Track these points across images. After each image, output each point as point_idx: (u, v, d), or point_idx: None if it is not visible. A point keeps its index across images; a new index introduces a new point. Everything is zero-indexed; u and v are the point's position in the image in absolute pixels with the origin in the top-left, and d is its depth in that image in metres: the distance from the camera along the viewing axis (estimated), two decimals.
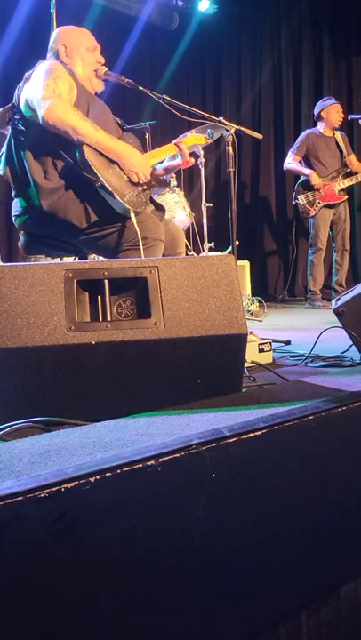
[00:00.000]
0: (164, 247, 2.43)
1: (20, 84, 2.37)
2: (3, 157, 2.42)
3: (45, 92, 2.22)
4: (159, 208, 2.64)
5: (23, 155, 2.31)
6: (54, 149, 2.27)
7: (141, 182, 2.37)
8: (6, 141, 2.41)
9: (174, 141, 2.68)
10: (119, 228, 2.31)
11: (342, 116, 5.44)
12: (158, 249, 2.33)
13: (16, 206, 2.43)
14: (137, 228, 2.24)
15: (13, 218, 2.46)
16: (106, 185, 2.21)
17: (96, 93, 2.57)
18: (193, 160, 2.71)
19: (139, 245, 2.25)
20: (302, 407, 1.29)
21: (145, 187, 2.39)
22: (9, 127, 2.39)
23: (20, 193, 2.38)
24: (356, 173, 5.36)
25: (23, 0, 5.14)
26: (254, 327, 3.41)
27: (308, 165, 5.46)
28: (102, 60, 2.53)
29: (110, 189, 2.21)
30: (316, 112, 5.52)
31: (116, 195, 2.22)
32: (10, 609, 0.83)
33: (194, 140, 2.86)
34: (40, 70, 2.32)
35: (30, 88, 2.29)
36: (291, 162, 5.50)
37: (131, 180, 2.35)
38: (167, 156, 2.65)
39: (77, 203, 2.28)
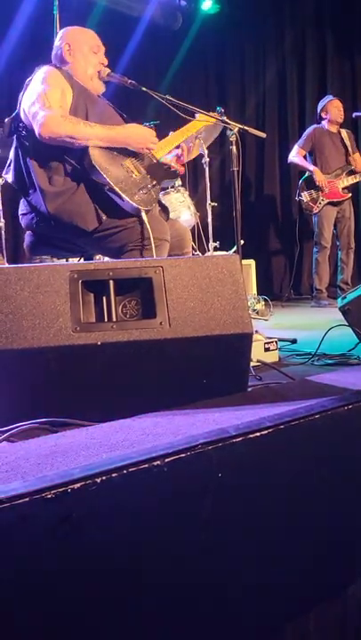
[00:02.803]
0: (170, 247, 2.43)
1: (22, 92, 2.39)
2: (11, 166, 2.44)
3: (37, 105, 2.25)
4: (164, 209, 2.64)
5: (28, 162, 2.33)
6: (59, 155, 2.28)
7: (153, 151, 2.40)
8: (13, 150, 2.43)
9: (182, 141, 2.63)
10: (124, 228, 2.31)
11: (342, 111, 5.43)
12: (163, 249, 2.33)
13: (22, 206, 2.45)
14: (148, 227, 2.24)
15: (20, 217, 2.47)
16: (115, 188, 2.21)
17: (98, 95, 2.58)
18: (182, 169, 2.68)
19: (143, 246, 2.25)
20: (308, 406, 1.29)
21: (154, 182, 2.39)
22: (14, 136, 2.40)
23: (27, 198, 2.40)
24: (359, 172, 5.36)
25: (26, 2, 5.15)
26: (260, 326, 3.40)
27: (313, 160, 5.46)
28: (105, 62, 2.54)
29: (119, 191, 2.21)
30: (318, 111, 5.56)
31: (125, 196, 2.22)
32: (15, 609, 0.83)
33: (204, 120, 2.74)
34: (35, 79, 2.35)
35: (26, 99, 2.33)
36: (295, 155, 5.50)
37: (141, 176, 2.35)
38: (172, 147, 2.61)
39: (83, 205, 2.28)
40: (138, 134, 2.37)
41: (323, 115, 5.47)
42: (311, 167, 5.38)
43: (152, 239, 2.23)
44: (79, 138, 2.22)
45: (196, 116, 2.72)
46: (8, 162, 2.47)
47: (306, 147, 5.47)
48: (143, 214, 2.26)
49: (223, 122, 2.77)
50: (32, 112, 2.26)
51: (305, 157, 5.50)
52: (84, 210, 2.28)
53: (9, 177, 2.46)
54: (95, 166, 2.21)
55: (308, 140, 5.47)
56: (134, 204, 2.23)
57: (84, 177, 2.27)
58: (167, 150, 2.57)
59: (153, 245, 2.23)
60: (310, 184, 5.37)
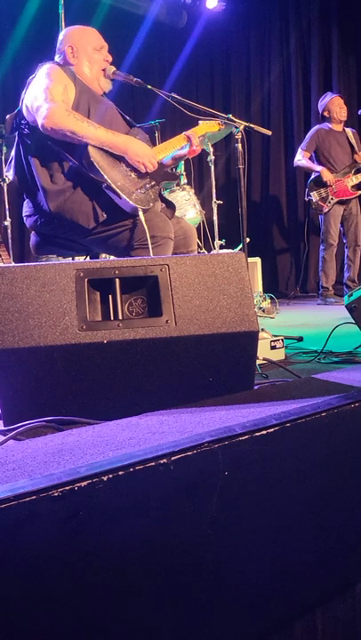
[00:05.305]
0: (175, 245, 2.43)
1: (24, 90, 2.39)
2: (12, 163, 2.45)
3: (41, 98, 2.25)
4: (169, 206, 2.63)
5: (30, 160, 2.33)
6: (59, 153, 2.29)
7: (149, 171, 2.37)
8: (14, 147, 2.44)
9: (185, 133, 2.61)
10: (128, 227, 2.31)
11: (344, 107, 5.40)
12: (167, 247, 2.33)
13: (26, 207, 2.45)
14: (145, 227, 2.24)
15: (24, 218, 2.48)
16: (112, 185, 2.21)
17: (105, 93, 2.58)
18: (199, 148, 2.66)
19: (148, 244, 2.26)
20: (315, 404, 1.28)
21: (153, 182, 2.39)
22: (16, 133, 2.41)
23: (30, 196, 2.41)
24: None
25: (31, 1, 5.15)
26: (266, 324, 3.40)
27: (319, 161, 5.44)
28: (110, 59, 2.54)
29: (116, 189, 2.22)
30: (320, 111, 5.53)
31: (122, 194, 2.22)
32: (23, 608, 0.83)
33: (206, 127, 2.77)
34: (38, 76, 2.36)
35: (29, 94, 2.34)
36: (301, 158, 5.48)
37: (139, 175, 2.35)
38: (176, 149, 2.59)
39: (84, 203, 2.29)
40: (139, 148, 2.36)
41: (325, 114, 5.44)
42: (318, 168, 5.35)
43: (149, 238, 2.23)
44: (80, 135, 2.22)
45: (200, 122, 2.72)
46: (10, 159, 2.47)
47: (310, 148, 5.45)
48: (140, 213, 2.26)
49: (229, 120, 2.76)
50: (35, 105, 2.26)
51: (310, 158, 5.48)
52: (85, 208, 2.29)
53: (10, 174, 2.47)
54: (94, 164, 2.21)
55: (311, 141, 5.45)
56: (131, 203, 2.23)
57: (85, 175, 2.27)
58: (170, 152, 2.57)
59: (150, 244, 2.23)
60: (319, 184, 5.36)
